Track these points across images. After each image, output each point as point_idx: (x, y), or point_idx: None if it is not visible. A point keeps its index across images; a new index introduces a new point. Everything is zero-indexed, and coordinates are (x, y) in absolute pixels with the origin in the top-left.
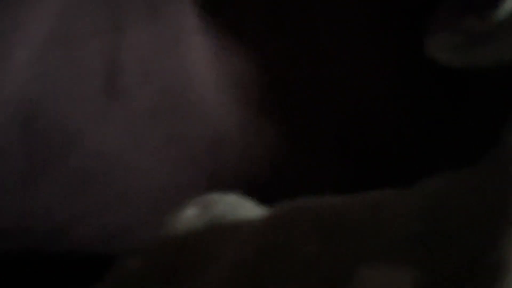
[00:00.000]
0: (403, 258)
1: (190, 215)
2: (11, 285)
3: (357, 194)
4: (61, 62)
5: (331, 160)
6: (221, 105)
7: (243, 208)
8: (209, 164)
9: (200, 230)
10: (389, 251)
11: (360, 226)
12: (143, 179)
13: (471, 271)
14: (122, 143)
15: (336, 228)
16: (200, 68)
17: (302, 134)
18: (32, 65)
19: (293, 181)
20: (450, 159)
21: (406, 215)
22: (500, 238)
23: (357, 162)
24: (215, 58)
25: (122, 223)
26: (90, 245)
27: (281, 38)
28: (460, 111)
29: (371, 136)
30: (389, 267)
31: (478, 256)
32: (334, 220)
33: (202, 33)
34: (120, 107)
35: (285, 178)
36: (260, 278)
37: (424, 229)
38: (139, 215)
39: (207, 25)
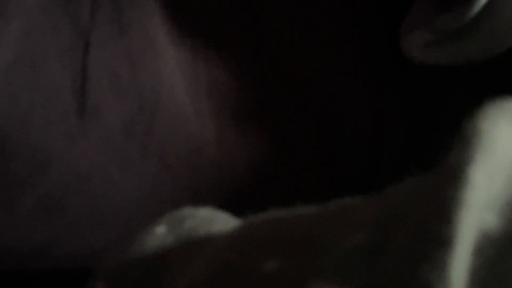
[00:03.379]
0: (349, 275)
1: (158, 233)
2: None
3: (327, 203)
4: (30, 83)
5: (310, 167)
6: (197, 115)
7: (216, 222)
8: (188, 176)
9: (167, 248)
10: (336, 267)
11: (319, 239)
12: (121, 196)
13: None
14: (97, 160)
15: (297, 243)
16: (174, 79)
17: (280, 141)
18: (0, 88)
19: (273, 189)
20: (429, 161)
21: (362, 227)
22: (427, 259)
23: (337, 168)
24: (189, 69)
25: (101, 241)
26: (70, 264)
27: (256, 46)
28: (439, 112)
29: (350, 141)
30: (333, 284)
31: (411, 274)
32: (297, 233)
33: (174, 44)
34: (93, 124)
35: (265, 186)
36: None
37: (372, 242)
38: (118, 232)
39: (178, 36)
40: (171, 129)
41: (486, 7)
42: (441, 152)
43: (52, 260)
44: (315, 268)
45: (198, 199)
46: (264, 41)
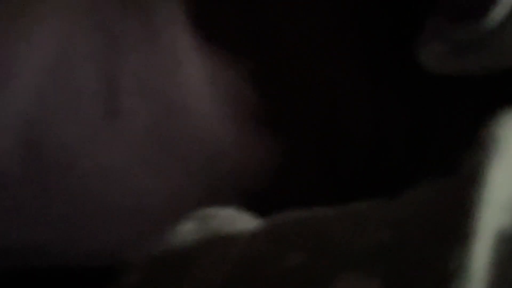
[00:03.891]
0: (371, 268)
1: (187, 229)
2: None
3: (343, 206)
4: (60, 86)
5: (324, 170)
6: (218, 121)
7: (239, 221)
8: (207, 180)
9: (196, 243)
10: (361, 261)
11: (341, 236)
12: (143, 196)
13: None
14: (121, 162)
15: (320, 239)
16: (197, 85)
17: (296, 146)
18: (32, 90)
19: (289, 193)
20: (433, 165)
21: (380, 226)
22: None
23: (350, 173)
24: (212, 75)
25: (123, 239)
26: (92, 261)
27: (273, 54)
28: (438, 112)
29: (357, 147)
30: (359, 276)
31: (436, 266)
32: (319, 231)
33: (198, 51)
34: (119, 127)
35: (281, 191)
36: None
37: (394, 239)
38: (140, 231)
39: (202, 44)
40: (193, 135)
41: (502, 19)
42: (442, 152)
43: (76, 258)
44: (341, 262)
45: (219, 201)
46: (281, 50)
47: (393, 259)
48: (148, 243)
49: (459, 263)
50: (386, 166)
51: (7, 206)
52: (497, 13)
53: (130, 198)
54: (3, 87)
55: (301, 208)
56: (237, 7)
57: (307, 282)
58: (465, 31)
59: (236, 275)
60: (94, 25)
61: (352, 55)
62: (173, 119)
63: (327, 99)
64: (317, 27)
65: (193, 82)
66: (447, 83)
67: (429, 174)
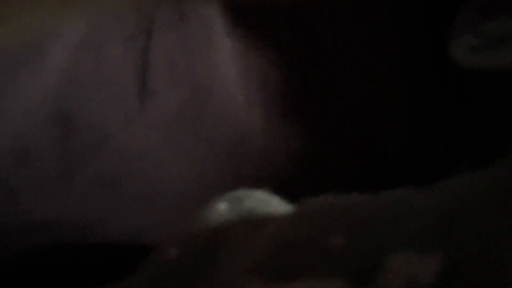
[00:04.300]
0: (427, 245)
1: (222, 209)
2: (48, 275)
3: (381, 193)
4: (93, 65)
5: (351, 161)
6: (246, 106)
7: (271, 203)
8: (234, 163)
9: (232, 222)
10: (415, 240)
11: (385, 219)
12: (170, 177)
13: (485, 260)
14: (150, 142)
15: (362, 222)
16: (227, 70)
17: (324, 135)
18: (65, 68)
19: (314, 181)
20: (464, 160)
21: (428, 210)
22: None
23: (375, 163)
24: (242, 61)
25: (151, 220)
26: (123, 241)
27: (304, 46)
28: (472, 112)
29: (388, 138)
30: (416, 253)
31: (491, 247)
32: (360, 214)
33: (230, 36)
34: (149, 108)
35: (306, 179)
36: (285, 269)
37: (446, 221)
38: (167, 211)
39: (234, 29)
40: (221, 117)
41: None
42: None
43: (105, 236)
44: (390, 242)
45: (244, 186)
46: (312, 42)
47: (455, 239)
48: (178, 223)
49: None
50: (417, 157)
51: (32, 181)
52: None
53: (156, 178)
54: (33, 63)
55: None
56: None
57: (352, 262)
58: (497, 25)
59: (278, 253)
60: (128, 4)
61: (384, 49)
62: (201, 102)
63: (357, 90)
64: (351, 21)
65: (223, 66)
66: (478, 79)
67: (461, 166)
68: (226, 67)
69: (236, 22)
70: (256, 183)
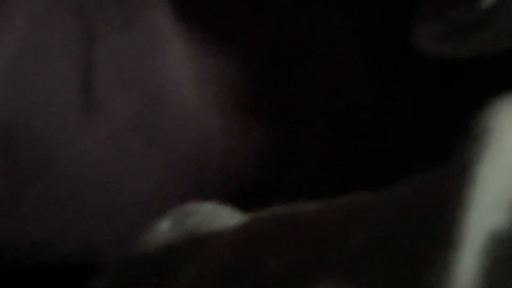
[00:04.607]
0: (351, 274)
1: (163, 229)
2: None
3: (333, 200)
4: (34, 76)
5: (317, 161)
6: (203, 109)
7: (221, 217)
8: (194, 171)
9: (172, 243)
10: (341, 265)
11: (326, 235)
12: (126, 191)
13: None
14: (102, 155)
15: (303, 239)
16: (179, 73)
17: (286, 135)
18: (4, 77)
19: (278, 183)
20: (435, 156)
21: (365, 225)
22: (432, 262)
23: (344, 164)
24: (195, 62)
25: (105, 237)
26: (73, 260)
27: (262, 39)
28: (448, 106)
29: (357, 136)
30: (342, 279)
31: (414, 277)
32: (302, 230)
33: (180, 37)
34: (98, 119)
35: (270, 181)
36: None
37: (375, 242)
38: (123, 228)
39: (184, 29)
40: (176, 123)
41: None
42: (448, 148)
43: (55, 255)
44: (321, 265)
45: (204, 194)
46: (271, 34)
47: (372, 266)
48: (125, 242)
49: (441, 277)
50: (386, 156)
51: None
52: None
53: (110, 193)
54: None
55: (290, 200)
56: None
57: (287, 285)
58: (461, 11)
59: (214, 279)
60: (68, 8)
61: (355, 44)
62: (153, 109)
63: (324, 86)
64: (319, 16)
65: (174, 69)
66: (448, 71)
67: (430, 164)
68: (179, 70)
69: (186, 22)
70: (218, 189)
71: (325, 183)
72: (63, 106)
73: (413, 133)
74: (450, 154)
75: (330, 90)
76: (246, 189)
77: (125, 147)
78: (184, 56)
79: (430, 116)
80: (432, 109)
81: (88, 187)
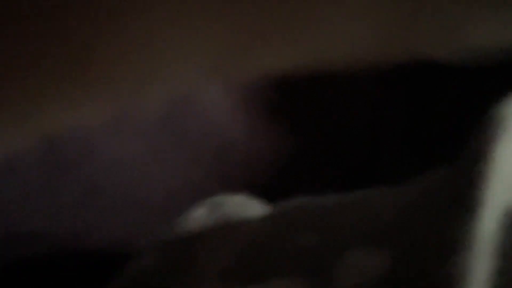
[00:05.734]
0: (379, 241)
1: (200, 215)
2: (32, 284)
3: (350, 193)
4: None
5: (334, 163)
6: (229, 110)
7: (250, 208)
8: (217, 169)
9: (208, 228)
10: (368, 237)
11: (349, 218)
12: (155, 184)
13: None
14: (134, 150)
15: (329, 222)
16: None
17: (308, 138)
18: None
19: (298, 184)
20: (427, 156)
21: (386, 207)
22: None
23: (356, 166)
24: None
25: (135, 228)
26: (106, 249)
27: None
28: (438, 107)
29: (369, 141)
30: (367, 249)
31: (441, 235)
32: (328, 214)
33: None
34: (132, 115)
35: (291, 182)
36: (254, 271)
37: (401, 218)
38: (152, 220)
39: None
40: (203, 124)
41: None
42: (439, 148)
43: (90, 245)
44: (349, 240)
45: (226, 191)
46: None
47: (401, 233)
48: (159, 231)
49: (465, 232)
50: (388, 158)
51: (18, 192)
52: None
53: (139, 189)
54: None
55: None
56: None
57: (318, 260)
58: None
59: (248, 255)
60: None
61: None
62: (183, 109)
63: (345, 99)
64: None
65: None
66: (446, 75)
67: (428, 166)
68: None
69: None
70: (241, 189)
71: (332, 184)
72: None
73: (407, 136)
74: (443, 158)
75: (345, 97)
76: (265, 188)
77: (155, 144)
78: None
79: (425, 120)
80: (427, 112)
81: (121, 178)
